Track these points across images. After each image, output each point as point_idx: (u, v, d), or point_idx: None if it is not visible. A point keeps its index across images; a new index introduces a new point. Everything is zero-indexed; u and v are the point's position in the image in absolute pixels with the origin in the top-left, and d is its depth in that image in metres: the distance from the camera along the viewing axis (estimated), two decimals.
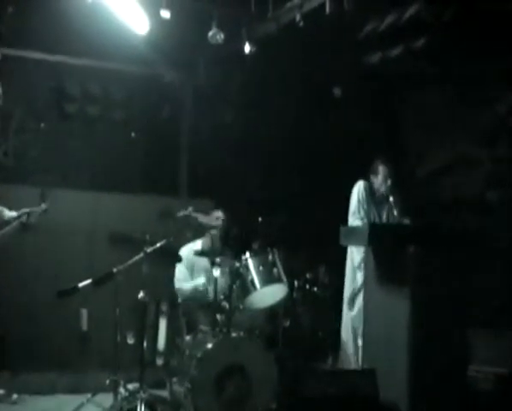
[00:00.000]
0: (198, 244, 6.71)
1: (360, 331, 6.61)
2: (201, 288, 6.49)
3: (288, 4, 6.76)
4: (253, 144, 8.19)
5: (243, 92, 8.00)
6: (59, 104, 8.08)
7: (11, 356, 6.82)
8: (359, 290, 6.67)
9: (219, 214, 6.68)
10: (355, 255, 6.76)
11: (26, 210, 6.04)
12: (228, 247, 6.55)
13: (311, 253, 7.23)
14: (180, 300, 6.42)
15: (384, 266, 6.03)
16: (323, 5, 6.33)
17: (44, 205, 5.67)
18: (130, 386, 5.91)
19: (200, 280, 6.51)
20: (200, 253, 6.33)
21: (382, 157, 6.81)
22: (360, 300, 6.63)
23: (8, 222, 4.96)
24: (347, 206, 6.85)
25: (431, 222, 7.39)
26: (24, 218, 5.65)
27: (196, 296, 6.49)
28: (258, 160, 8.17)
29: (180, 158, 8.61)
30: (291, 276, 6.52)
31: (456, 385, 5.91)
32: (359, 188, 6.80)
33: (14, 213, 5.16)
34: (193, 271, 6.63)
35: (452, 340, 5.92)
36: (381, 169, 6.74)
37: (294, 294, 6.84)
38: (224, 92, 8.08)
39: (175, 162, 8.59)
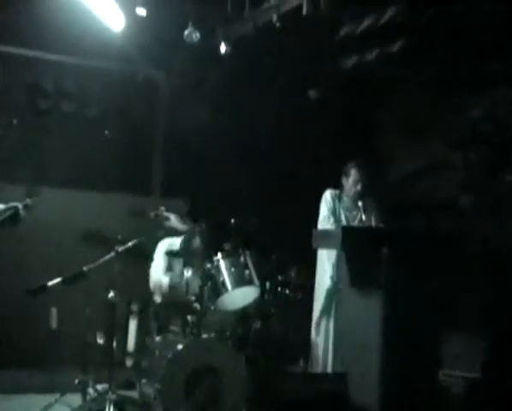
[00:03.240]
0: (174, 241, 6.65)
1: (330, 334, 6.61)
2: (179, 280, 6.37)
3: (265, 5, 6.74)
4: (227, 144, 8.16)
5: (218, 91, 7.97)
6: (33, 99, 7.99)
7: None
8: (328, 293, 6.66)
9: (196, 227, 6.61)
10: (325, 259, 6.75)
11: (15, 204, 5.96)
12: (202, 248, 6.51)
13: (283, 254, 7.21)
14: (155, 295, 6.38)
15: (357, 269, 6.03)
16: (300, 6, 6.32)
17: (29, 201, 5.60)
18: (99, 387, 5.90)
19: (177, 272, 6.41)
20: (172, 254, 6.29)
21: (355, 160, 6.80)
22: (326, 305, 6.64)
23: None
24: (319, 208, 6.85)
25: (404, 225, 7.44)
26: (12, 212, 5.56)
27: (174, 287, 6.40)
28: (232, 160, 8.14)
29: (154, 157, 8.57)
30: (263, 277, 6.50)
31: (427, 389, 5.93)
32: (325, 199, 6.82)
33: (1, 206, 5.08)
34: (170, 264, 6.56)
35: (424, 343, 5.94)
36: (353, 172, 6.74)
37: (266, 296, 6.80)
38: (200, 92, 8.04)
39: (149, 160, 8.54)
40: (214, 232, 6.51)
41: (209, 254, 6.22)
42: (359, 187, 6.70)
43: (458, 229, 6.97)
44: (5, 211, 5.77)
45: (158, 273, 6.48)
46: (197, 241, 6.40)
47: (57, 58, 7.83)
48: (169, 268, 6.53)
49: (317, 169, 7.78)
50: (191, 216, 6.60)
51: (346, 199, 6.82)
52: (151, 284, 6.47)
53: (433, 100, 7.44)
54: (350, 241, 6.00)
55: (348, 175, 6.76)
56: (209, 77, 7.88)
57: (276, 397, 5.81)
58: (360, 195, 6.67)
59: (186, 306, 5.98)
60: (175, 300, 6.32)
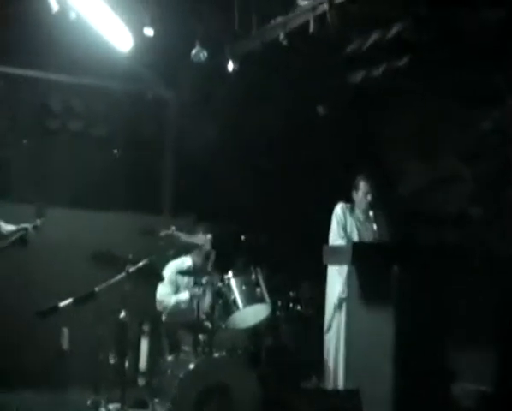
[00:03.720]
0: (184, 261, 6.67)
1: (341, 350, 6.59)
2: (184, 305, 6.42)
3: (272, 22, 6.77)
4: (236, 160, 8.17)
5: (227, 109, 7.98)
6: (42, 119, 8.03)
7: None
8: (336, 310, 6.65)
9: (208, 237, 6.62)
10: (335, 275, 6.74)
11: (25, 225, 5.98)
12: (213, 266, 6.51)
13: (294, 271, 7.21)
14: (162, 314, 6.38)
15: (368, 285, 6.02)
16: (306, 24, 6.35)
17: (39, 222, 5.62)
18: (111, 406, 5.88)
19: (184, 295, 6.45)
20: (183, 273, 6.30)
21: (364, 173, 6.83)
22: (337, 320, 6.62)
23: (5, 236, 4.88)
24: (329, 224, 6.85)
25: (414, 239, 7.43)
26: (22, 233, 5.58)
27: (179, 312, 6.43)
28: (241, 177, 8.15)
29: (163, 175, 8.59)
30: (274, 294, 6.49)
31: (440, 403, 5.91)
32: (336, 212, 6.83)
33: (12, 227, 5.09)
34: (177, 287, 6.58)
35: (436, 358, 5.92)
36: (362, 184, 6.77)
37: (278, 313, 6.80)
38: (208, 110, 8.06)
39: (158, 179, 8.56)
40: (225, 249, 6.52)
41: (220, 272, 6.23)
42: (369, 197, 6.73)
43: (468, 242, 6.96)
44: (15, 232, 5.80)
45: (162, 296, 6.50)
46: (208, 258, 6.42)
47: (65, 79, 7.88)
48: (175, 291, 6.55)
49: (327, 184, 7.78)
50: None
51: (358, 212, 6.84)
52: (158, 306, 6.49)
53: (441, 113, 7.43)
54: (360, 256, 6.01)
55: (357, 188, 6.79)
56: (217, 94, 7.90)
57: None
58: (371, 206, 6.69)
59: (197, 324, 5.97)
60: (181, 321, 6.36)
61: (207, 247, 6.53)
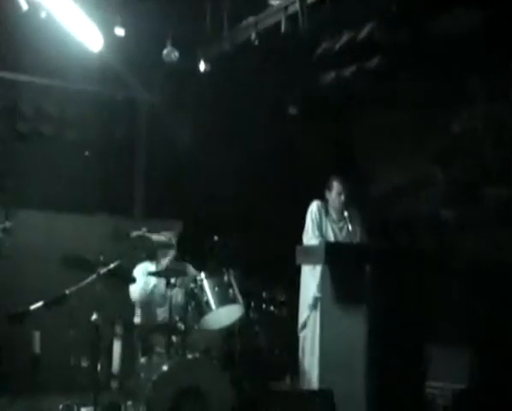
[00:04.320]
0: (150, 267, 6.62)
1: (315, 351, 6.59)
2: (162, 317, 6.37)
3: (244, 23, 6.77)
4: (207, 162, 8.15)
5: (198, 110, 7.97)
6: (12, 123, 7.94)
7: None
8: (311, 310, 6.64)
9: (171, 232, 6.61)
10: (308, 275, 6.74)
11: None
12: (184, 267, 6.48)
13: (267, 272, 7.19)
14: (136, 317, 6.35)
15: (341, 285, 6.04)
16: (278, 24, 6.36)
17: (8, 224, 5.55)
18: (84, 410, 5.81)
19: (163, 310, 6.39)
20: (154, 274, 6.26)
21: (337, 173, 6.84)
22: (312, 320, 6.62)
23: None
24: (303, 225, 6.85)
25: (388, 241, 7.46)
26: None
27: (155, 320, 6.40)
28: (213, 179, 8.13)
29: (135, 178, 8.54)
30: (247, 295, 6.48)
31: (414, 402, 5.94)
32: (311, 210, 6.81)
33: None
34: (148, 290, 6.54)
35: (410, 357, 5.95)
36: (335, 184, 6.77)
37: (251, 314, 6.79)
38: (179, 111, 8.04)
39: (130, 181, 8.51)
40: (197, 251, 6.50)
41: (193, 273, 6.22)
42: (342, 197, 6.73)
43: (441, 245, 7.00)
44: None
45: (137, 294, 6.46)
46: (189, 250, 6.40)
47: (36, 80, 7.79)
48: (145, 288, 6.50)
49: (301, 185, 7.79)
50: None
51: (332, 212, 6.83)
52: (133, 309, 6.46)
53: (413, 115, 7.48)
54: (333, 256, 6.03)
55: (330, 188, 6.79)
56: (188, 95, 7.88)
57: None
58: (345, 205, 6.70)
59: (170, 326, 5.93)
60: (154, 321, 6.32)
61: (172, 248, 6.52)
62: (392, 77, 7.15)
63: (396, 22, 6.45)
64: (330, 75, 7.22)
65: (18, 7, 5.96)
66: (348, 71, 7.07)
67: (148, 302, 6.52)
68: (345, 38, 6.75)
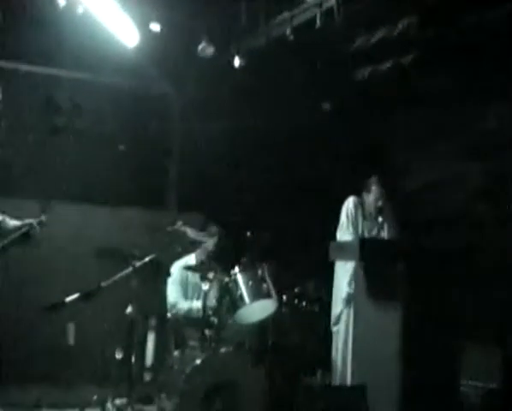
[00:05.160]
0: (190, 259, 6.69)
1: (349, 346, 6.58)
2: (196, 313, 6.41)
3: (279, 18, 6.76)
4: (241, 157, 8.16)
5: (232, 104, 7.98)
6: (48, 116, 8.03)
7: None
8: (344, 306, 6.63)
9: (214, 229, 6.66)
10: (342, 271, 6.73)
11: (30, 220, 5.96)
12: (218, 261, 6.52)
13: (300, 267, 7.20)
14: (173, 315, 6.39)
15: (374, 281, 6.03)
16: (313, 19, 6.35)
17: (43, 217, 5.60)
18: (118, 402, 5.87)
19: (197, 304, 6.44)
20: (190, 268, 6.30)
21: (376, 175, 6.80)
22: (345, 315, 6.61)
23: (11, 231, 4.85)
24: (336, 221, 6.84)
25: (421, 237, 7.41)
26: (27, 229, 5.55)
27: (190, 317, 6.44)
28: (247, 173, 8.15)
29: (169, 171, 8.60)
30: (280, 290, 6.48)
31: (447, 400, 5.92)
32: (348, 205, 6.79)
33: (17, 222, 5.06)
34: (186, 287, 6.61)
35: (443, 354, 5.93)
36: (373, 188, 6.73)
37: (283, 309, 6.80)
38: (213, 105, 8.06)
39: (164, 175, 8.58)
40: (230, 245, 6.52)
41: (226, 268, 6.24)
42: (380, 203, 6.69)
43: (476, 241, 6.93)
44: (20, 227, 5.78)
45: (175, 298, 6.51)
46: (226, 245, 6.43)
47: (72, 75, 7.87)
48: (185, 291, 6.57)
49: (333, 181, 7.76)
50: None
51: (367, 211, 6.80)
52: (170, 309, 6.51)
53: (448, 111, 7.42)
54: (368, 253, 6.02)
55: (369, 190, 6.76)
56: (222, 90, 7.90)
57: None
58: (381, 211, 6.66)
59: (204, 320, 5.97)
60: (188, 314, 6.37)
61: (211, 246, 6.57)
62: (427, 72, 7.10)
63: (433, 17, 6.41)
64: (365, 71, 7.19)
65: (56, 3, 6.02)
66: (383, 66, 7.03)
67: (182, 296, 6.57)
68: (380, 33, 6.72)
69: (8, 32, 6.96)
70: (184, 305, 6.51)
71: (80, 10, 6.19)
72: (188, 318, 6.41)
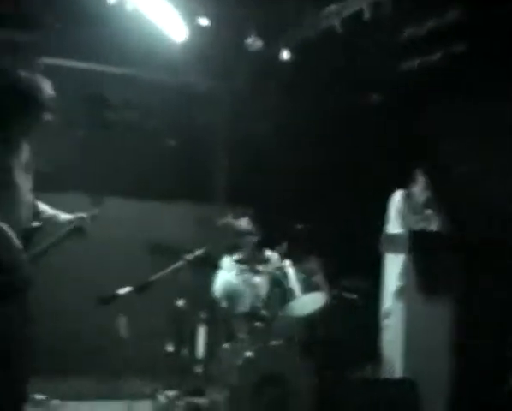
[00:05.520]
0: (240, 252, 6.72)
1: (399, 339, 6.54)
2: (245, 305, 6.41)
3: (327, 10, 6.73)
4: (289, 151, 8.15)
5: (280, 98, 7.97)
6: (97, 111, 8.12)
7: (50, 362, 6.85)
8: (394, 299, 6.59)
9: (246, 221, 6.67)
10: (392, 263, 6.69)
11: (82, 215, 6.02)
12: (268, 254, 6.54)
13: (349, 260, 7.17)
14: (219, 304, 6.43)
15: (425, 274, 5.99)
16: (361, 11, 6.31)
17: (96, 211, 5.66)
18: (169, 394, 5.92)
19: (246, 295, 6.41)
20: (240, 261, 6.33)
21: (423, 167, 6.74)
22: (395, 309, 6.56)
23: (63, 225, 4.92)
24: (384, 214, 6.80)
25: (472, 229, 7.31)
26: (79, 223, 5.60)
27: (238, 308, 6.46)
28: (294, 167, 8.13)
29: (217, 165, 8.65)
30: (329, 283, 6.47)
31: (499, 396, 5.84)
32: (395, 199, 6.76)
33: (69, 216, 5.12)
34: (235, 280, 6.62)
35: (496, 349, 5.85)
36: (421, 179, 6.68)
37: (332, 302, 6.78)
38: (261, 99, 8.06)
39: (212, 169, 8.62)
40: (281, 238, 6.52)
41: (276, 261, 6.25)
42: (427, 194, 6.63)
43: None
44: (72, 221, 5.83)
45: (223, 288, 6.54)
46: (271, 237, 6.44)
47: (121, 71, 7.95)
48: (234, 285, 6.59)
49: (381, 173, 7.70)
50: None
51: (415, 203, 6.75)
52: (217, 297, 6.55)
53: (499, 101, 7.30)
54: (418, 245, 5.97)
55: (416, 182, 6.71)
56: (270, 84, 7.90)
57: (344, 404, 5.77)
58: (428, 204, 6.60)
59: (254, 312, 5.99)
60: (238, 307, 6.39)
61: (260, 238, 6.59)
62: (477, 62, 6.99)
63: (484, 4, 6.32)
64: (415, 62, 7.12)
65: (105, 0, 6.09)
66: (433, 56, 6.95)
67: (233, 289, 6.60)
68: (430, 22, 6.65)
69: (59, 29, 7.04)
70: (232, 296, 6.54)
71: (129, 7, 6.24)
72: (237, 310, 6.44)
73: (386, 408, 5.65)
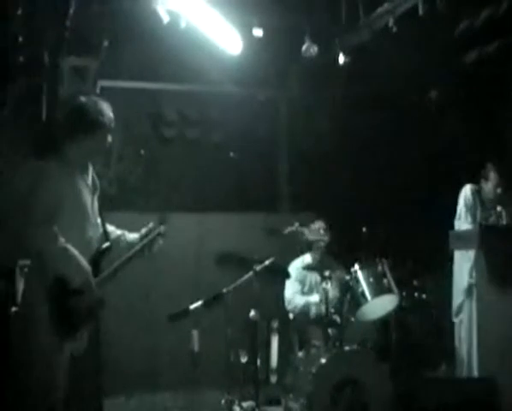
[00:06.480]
0: (307, 258, 6.74)
1: (473, 337, 6.43)
2: (314, 308, 6.47)
3: (380, 9, 6.67)
4: (351, 155, 8.12)
5: (339, 102, 7.95)
6: (158, 129, 8.24)
7: (125, 379, 6.95)
8: (466, 296, 6.48)
9: (320, 224, 6.68)
10: (462, 260, 6.58)
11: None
12: (336, 259, 6.53)
13: (417, 260, 7.10)
14: (290, 312, 6.44)
15: (497, 270, 5.88)
16: (415, 7, 6.23)
17: (162, 228, 5.72)
18: (245, 404, 5.94)
19: (315, 298, 6.50)
20: (309, 267, 6.33)
21: (494, 162, 6.61)
22: (467, 306, 6.46)
23: (131, 244, 4.99)
24: (451, 211, 6.70)
25: None
26: (150, 240, 5.67)
27: (308, 312, 6.49)
28: (357, 170, 8.09)
29: (279, 174, 8.66)
30: (399, 284, 6.42)
31: None
32: (465, 193, 6.64)
33: (136, 235, 5.20)
34: (304, 284, 6.67)
35: None
36: (492, 175, 6.55)
37: (403, 303, 6.73)
38: (319, 105, 8.05)
39: (274, 178, 8.64)
40: (348, 242, 6.51)
41: (345, 265, 6.23)
42: (499, 190, 6.51)
43: None
44: (142, 238, 5.89)
45: (291, 294, 6.56)
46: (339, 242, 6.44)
47: (178, 87, 8.04)
48: (302, 288, 6.61)
49: (447, 170, 7.60)
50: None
51: (485, 199, 6.63)
52: (287, 304, 6.57)
53: None
54: (488, 240, 5.87)
55: (487, 178, 6.59)
56: (328, 89, 7.88)
57: (421, 405, 5.71)
58: (500, 200, 6.48)
59: (326, 319, 5.98)
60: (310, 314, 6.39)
61: (324, 241, 6.58)
62: None
63: None
64: (473, 54, 7.02)
65: (160, 19, 6.16)
66: (490, 48, 6.84)
67: (299, 292, 6.62)
68: (485, 13, 6.55)
69: (113, 51, 7.15)
70: (301, 300, 6.57)
71: (183, 24, 6.29)
72: (306, 314, 6.44)
73: (465, 407, 5.57)
